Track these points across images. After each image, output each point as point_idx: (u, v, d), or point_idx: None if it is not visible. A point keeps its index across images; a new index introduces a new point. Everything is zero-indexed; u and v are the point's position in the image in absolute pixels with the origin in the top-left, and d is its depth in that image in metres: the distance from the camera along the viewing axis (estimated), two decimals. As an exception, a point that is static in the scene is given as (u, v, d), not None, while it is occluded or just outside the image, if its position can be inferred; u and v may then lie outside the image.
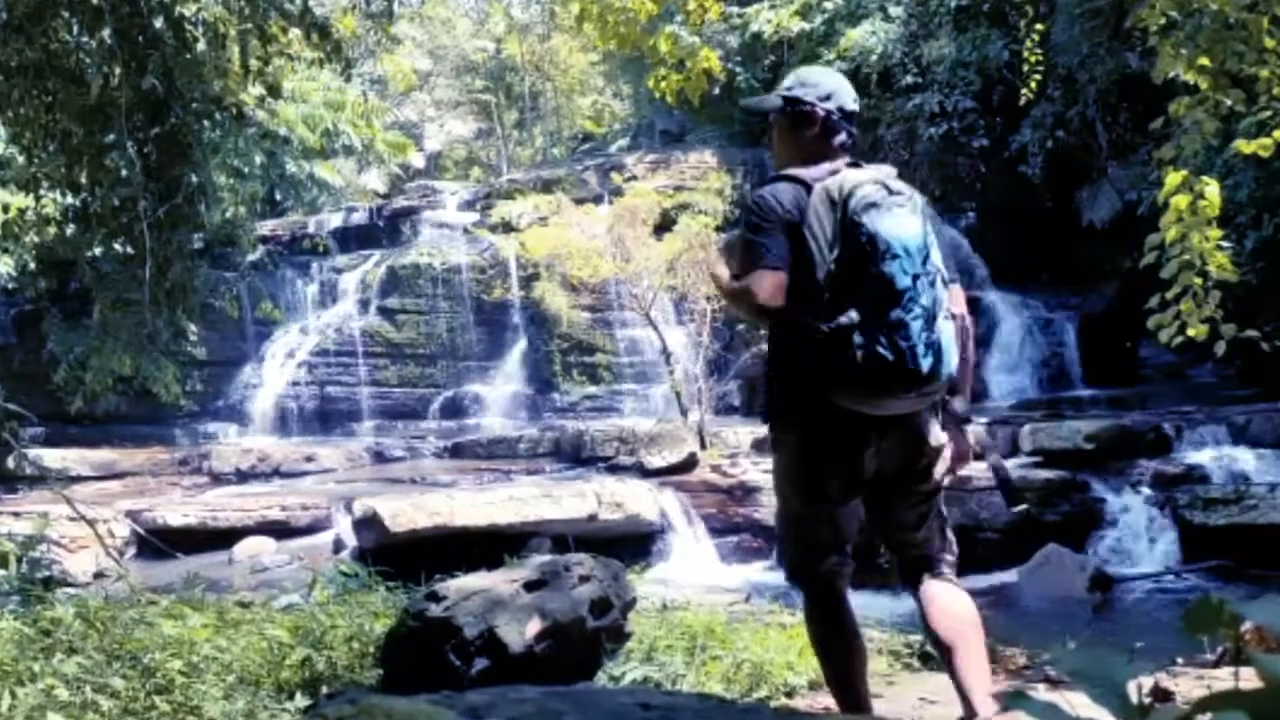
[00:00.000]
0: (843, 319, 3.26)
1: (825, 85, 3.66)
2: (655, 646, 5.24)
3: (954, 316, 3.40)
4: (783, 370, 3.49)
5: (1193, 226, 6.16)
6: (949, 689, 3.46)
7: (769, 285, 3.35)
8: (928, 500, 3.60)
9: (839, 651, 3.63)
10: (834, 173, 3.45)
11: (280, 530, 13.03)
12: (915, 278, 3.26)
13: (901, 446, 3.47)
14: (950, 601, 3.51)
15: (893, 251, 3.25)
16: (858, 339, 3.25)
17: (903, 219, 3.31)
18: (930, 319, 3.27)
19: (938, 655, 3.58)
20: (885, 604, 8.39)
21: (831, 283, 3.31)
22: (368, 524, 11.25)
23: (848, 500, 3.53)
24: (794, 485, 3.58)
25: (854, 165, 3.52)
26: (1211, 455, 12.00)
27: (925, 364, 3.26)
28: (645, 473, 13.72)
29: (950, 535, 3.66)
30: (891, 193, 3.36)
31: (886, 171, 3.52)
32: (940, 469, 3.58)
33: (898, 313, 3.24)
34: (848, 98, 3.63)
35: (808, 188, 3.43)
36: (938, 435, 3.53)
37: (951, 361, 3.35)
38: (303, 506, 13.55)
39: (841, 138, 3.60)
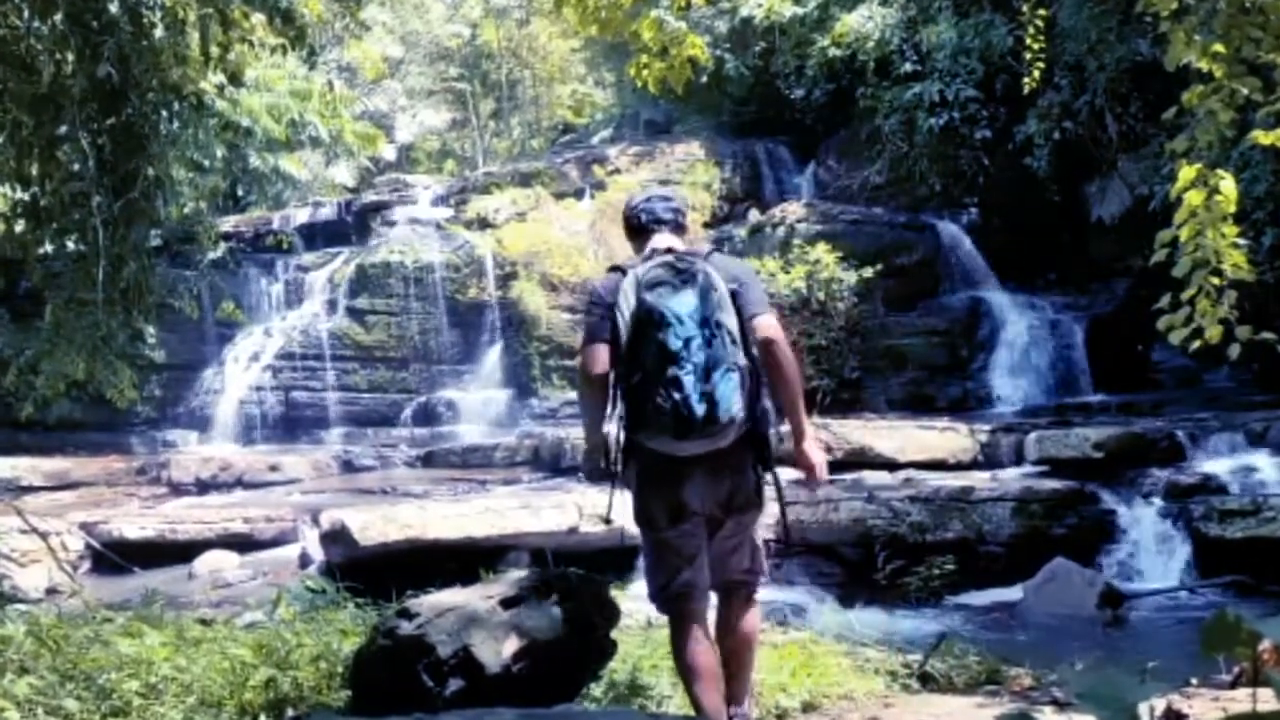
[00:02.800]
0: (635, 377, 4.28)
1: (634, 198, 4.89)
2: (640, 666, 5.25)
3: (737, 369, 4.24)
4: (620, 420, 4.45)
5: (1207, 223, 6.17)
6: (950, 712, 3.48)
7: (591, 356, 4.45)
8: (747, 529, 4.54)
9: (687, 664, 4.38)
10: (647, 259, 4.48)
11: (243, 543, 12.99)
12: (687, 341, 4.19)
13: (720, 482, 4.38)
14: (741, 624, 4.55)
15: (666, 320, 4.21)
16: (646, 393, 4.22)
17: (676, 295, 4.27)
18: (704, 373, 4.17)
19: (720, 660, 4.44)
20: (882, 621, 8.40)
21: (629, 347, 4.31)
22: (335, 537, 11.21)
23: (675, 526, 4.41)
24: (635, 514, 4.50)
25: (668, 252, 4.49)
26: (1228, 464, 11.97)
27: (700, 410, 4.15)
28: (630, 483, 13.69)
29: (760, 553, 4.63)
30: (678, 273, 4.33)
31: (698, 251, 4.58)
32: (761, 505, 4.53)
33: (673, 370, 4.17)
34: (655, 205, 4.76)
35: (624, 274, 4.44)
36: (753, 474, 4.45)
37: (731, 408, 4.20)
38: (267, 519, 13.51)
39: (656, 234, 4.67)
